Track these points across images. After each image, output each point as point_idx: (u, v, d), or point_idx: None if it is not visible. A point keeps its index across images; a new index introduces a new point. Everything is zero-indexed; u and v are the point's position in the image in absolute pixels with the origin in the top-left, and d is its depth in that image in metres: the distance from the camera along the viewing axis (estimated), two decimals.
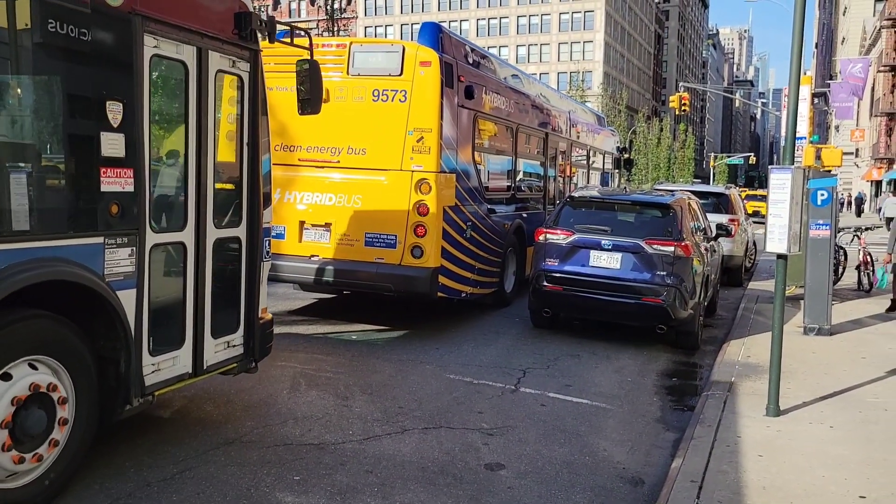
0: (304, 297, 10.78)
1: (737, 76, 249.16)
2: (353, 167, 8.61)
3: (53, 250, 3.94)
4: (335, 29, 22.79)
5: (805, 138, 15.16)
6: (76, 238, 4.07)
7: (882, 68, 55.21)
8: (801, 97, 14.69)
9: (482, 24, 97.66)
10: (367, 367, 7.30)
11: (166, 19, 4.53)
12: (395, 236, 8.37)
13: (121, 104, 4.23)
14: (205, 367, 5.10)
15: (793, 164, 6.00)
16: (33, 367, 3.92)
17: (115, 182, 4.22)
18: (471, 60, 9.49)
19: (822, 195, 8.71)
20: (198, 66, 4.86)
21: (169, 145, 4.98)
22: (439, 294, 8.55)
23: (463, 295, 9.08)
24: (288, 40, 5.71)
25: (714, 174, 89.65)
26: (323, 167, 8.71)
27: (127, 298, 4.35)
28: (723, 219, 13.22)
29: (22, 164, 3.91)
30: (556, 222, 8.93)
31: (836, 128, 73.92)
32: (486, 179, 9.94)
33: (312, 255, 8.64)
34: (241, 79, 5.31)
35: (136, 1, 4.28)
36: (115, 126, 4.20)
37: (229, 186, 5.34)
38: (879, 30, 59.52)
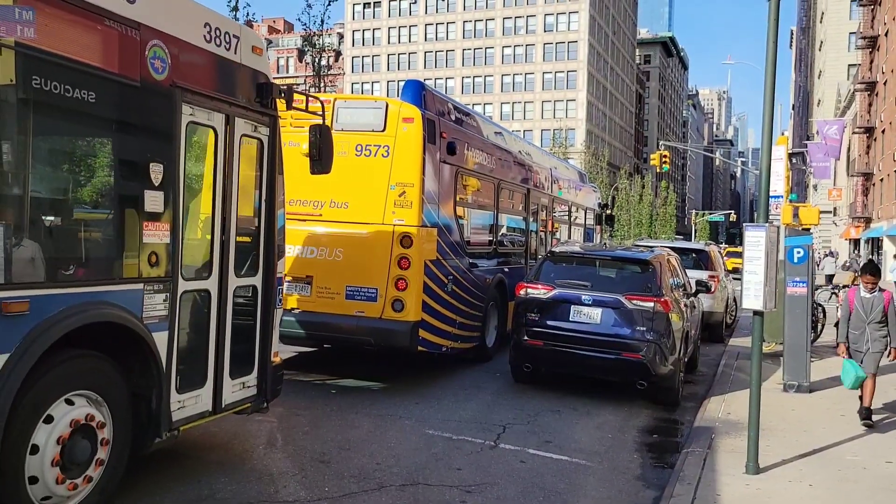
0: (285, 350, 10.67)
1: (716, 135, 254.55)
2: (335, 220, 8.66)
3: (100, 295, 4.43)
4: (322, 85, 23.12)
5: (782, 197, 15.44)
6: (120, 284, 4.57)
7: (857, 130, 56.66)
8: (776, 157, 15.09)
9: (467, 82, 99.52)
10: (346, 421, 7.21)
11: (200, 90, 5.14)
12: (376, 290, 8.36)
13: (161, 165, 4.78)
14: (223, 406, 5.53)
15: (767, 221, 6.10)
16: (70, 404, 4.33)
17: (154, 234, 4.76)
18: (453, 117, 9.63)
19: (799, 253, 8.84)
20: (225, 130, 5.44)
21: (197, 202, 5.47)
22: (420, 348, 8.55)
23: (444, 349, 9.06)
24: (303, 107, 6.25)
25: (695, 231, 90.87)
26: (305, 220, 8.71)
27: (161, 339, 4.83)
28: (703, 275, 13.38)
29: (76, 218, 4.45)
30: (537, 277, 8.99)
31: (815, 187, 75.33)
32: (468, 234, 10.03)
33: (293, 308, 8.58)
34: (261, 142, 5.89)
35: (176, 75, 4.88)
36: (156, 185, 4.74)
37: (248, 239, 5.82)
38: (853, 93, 61.29)
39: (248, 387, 5.82)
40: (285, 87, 6.02)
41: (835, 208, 67.44)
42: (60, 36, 4.09)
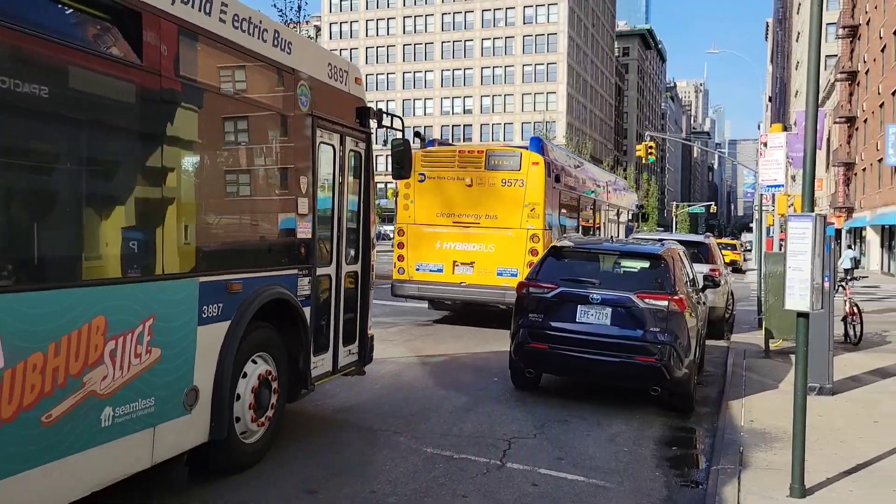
0: None
1: (694, 127, 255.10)
2: (489, 227, 13.24)
3: (275, 279, 5.78)
4: None
5: (783, 186, 14.79)
6: (286, 269, 5.97)
7: (838, 120, 56.56)
8: (775, 144, 14.33)
9: (447, 75, 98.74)
10: (334, 439, 6.44)
11: (326, 116, 6.51)
12: (517, 269, 12.79)
13: (307, 177, 6.20)
14: (339, 367, 6.93)
15: (812, 209, 5.37)
16: (254, 362, 5.63)
17: (304, 232, 6.17)
18: (558, 157, 14.54)
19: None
20: (340, 147, 6.87)
21: (322, 204, 6.59)
22: None
23: None
24: (388, 124, 7.61)
25: (676, 223, 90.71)
26: (469, 226, 13.37)
27: (307, 313, 6.21)
28: (705, 268, 12.69)
29: (261, 221, 5.89)
30: (539, 274, 8.25)
31: (794, 177, 75.30)
32: (564, 230, 14.62)
33: (462, 282, 13.36)
34: (360, 154, 7.28)
35: (314, 108, 6.32)
36: (304, 192, 6.15)
37: (353, 234, 7.19)
38: (833, 83, 61.19)
39: (353, 353, 7.22)
40: (378, 110, 7.49)
41: (816, 199, 67.36)
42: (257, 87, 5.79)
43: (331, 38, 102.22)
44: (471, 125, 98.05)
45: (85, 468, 3.98)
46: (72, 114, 3.97)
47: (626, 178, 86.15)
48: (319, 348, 6.50)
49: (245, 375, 5.47)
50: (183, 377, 4.77)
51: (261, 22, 5.54)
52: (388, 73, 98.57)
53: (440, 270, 13.45)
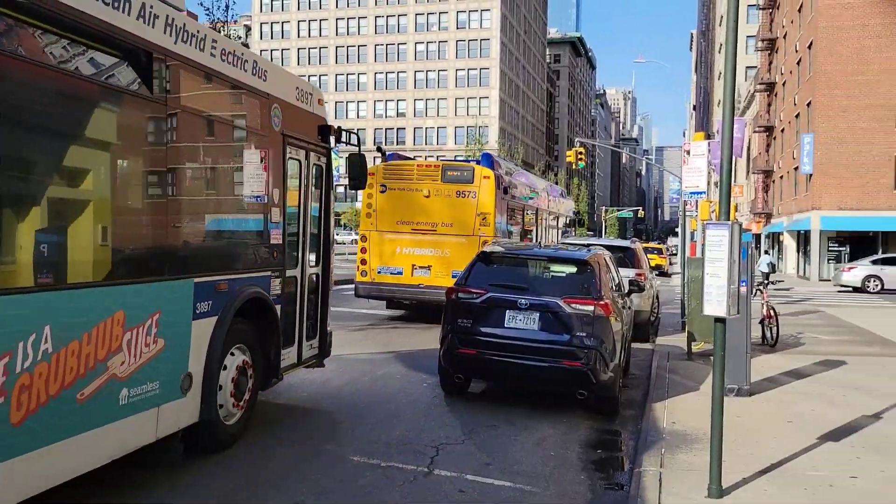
0: None
1: (623, 134, 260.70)
2: (444, 233, 14.54)
3: (252, 280, 6.48)
4: None
5: (704, 193, 15.29)
6: (262, 272, 6.67)
7: (757, 129, 58.82)
8: (697, 153, 14.81)
9: (380, 78, 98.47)
10: (260, 452, 6.32)
11: (294, 135, 7.24)
12: None
13: (278, 190, 6.92)
14: (302, 360, 7.65)
15: (729, 218, 5.55)
16: (233, 354, 6.29)
17: (276, 238, 6.90)
18: (505, 171, 15.98)
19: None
20: (306, 162, 7.60)
21: (291, 213, 7.27)
22: None
23: None
24: (346, 140, 8.38)
25: (605, 227, 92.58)
26: (426, 233, 14.60)
27: (278, 310, 6.91)
28: (630, 273, 13.02)
29: (242, 229, 6.64)
30: (468, 279, 8.28)
31: (716, 183, 77.92)
32: (510, 236, 16.20)
33: (419, 284, 14.45)
34: (321, 168, 8.01)
35: (284, 127, 7.06)
36: (276, 203, 6.87)
37: (315, 240, 7.86)
38: (753, 93, 63.64)
39: (314, 347, 7.96)
40: (338, 128, 8.20)
41: (736, 205, 69.90)
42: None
43: (261, 38, 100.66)
44: (404, 129, 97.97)
45: (107, 440, 4.67)
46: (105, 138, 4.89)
47: (557, 183, 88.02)
48: (287, 342, 7.21)
49: (226, 368, 6.14)
50: (180, 365, 5.46)
51: (242, 54, 6.31)
52: (320, 75, 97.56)
53: (400, 273, 14.61)
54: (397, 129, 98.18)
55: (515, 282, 8.17)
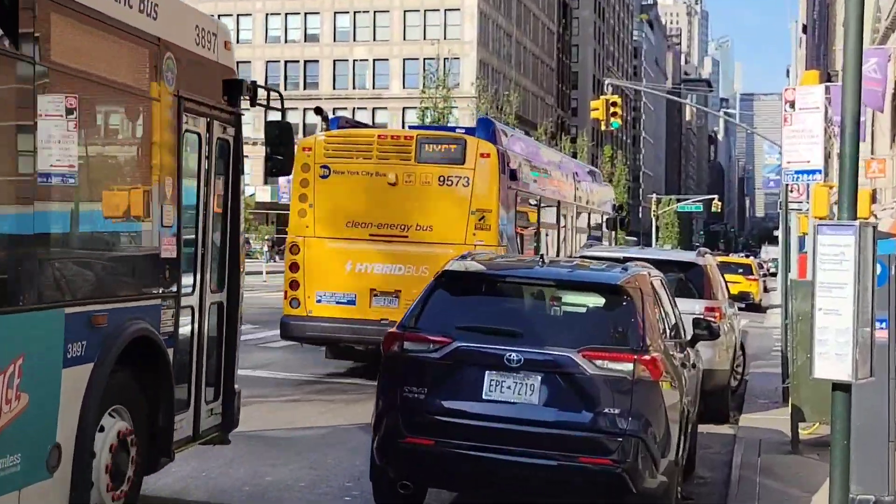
0: None
1: (686, 73, 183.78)
2: (420, 241, 10.61)
3: (137, 310, 5.08)
4: None
5: (819, 171, 10.07)
6: (148, 299, 5.21)
7: None
8: (807, 105, 9.76)
9: None
10: None
11: (193, 97, 5.60)
12: None
13: (172, 178, 5.47)
14: (200, 432, 5.88)
15: (854, 216, 4.31)
16: (112, 416, 4.96)
17: (168, 250, 5.36)
18: (513, 144, 12.22)
19: (876, 269, 5.30)
20: (207, 135, 5.95)
21: (187, 213, 5.74)
22: None
23: None
24: (264, 102, 6.57)
25: (657, 228, 66.77)
26: (392, 241, 10.72)
27: (170, 355, 5.44)
28: (696, 307, 9.26)
29: (126, 240, 5.39)
30: (420, 318, 5.51)
31: (839, 156, 56.48)
32: (522, 245, 12.42)
33: (382, 319, 10.03)
34: (228, 144, 6.27)
35: (180, 87, 5.42)
36: (168, 198, 5.38)
37: (217, 252, 6.16)
38: None
39: (216, 413, 6.21)
40: (252, 82, 6.46)
41: (874, 190, 45.11)
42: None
43: None
44: (316, 62, 64.80)
45: None
46: None
47: (575, 155, 55.94)
48: (181, 405, 5.61)
49: (102, 429, 4.81)
50: (47, 432, 4.36)
51: None
52: None
53: (352, 303, 10.63)
54: (305, 62, 65.44)
55: (501, 323, 5.73)
